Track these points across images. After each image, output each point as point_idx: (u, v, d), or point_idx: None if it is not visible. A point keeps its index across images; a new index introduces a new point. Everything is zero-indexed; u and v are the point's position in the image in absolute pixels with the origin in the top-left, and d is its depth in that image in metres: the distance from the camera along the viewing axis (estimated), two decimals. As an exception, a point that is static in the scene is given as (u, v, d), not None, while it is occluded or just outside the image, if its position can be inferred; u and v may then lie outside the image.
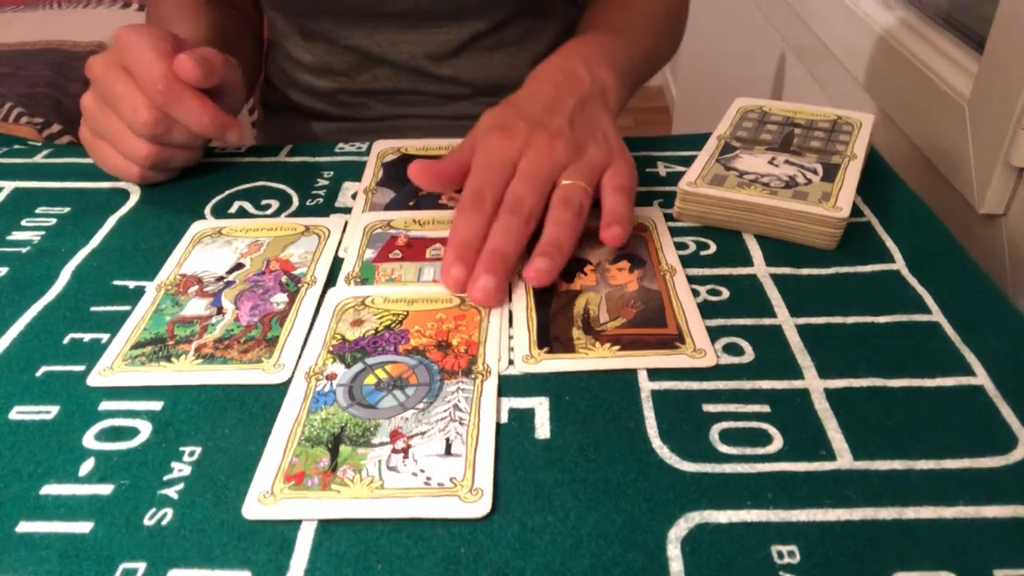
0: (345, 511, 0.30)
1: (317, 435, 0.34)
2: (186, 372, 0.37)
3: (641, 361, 0.37)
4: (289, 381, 0.37)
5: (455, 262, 0.41)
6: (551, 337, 0.39)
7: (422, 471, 0.32)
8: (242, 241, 0.47)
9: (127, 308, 0.42)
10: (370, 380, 0.37)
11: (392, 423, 0.34)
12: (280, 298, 0.42)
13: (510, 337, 0.39)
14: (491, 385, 0.36)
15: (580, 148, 0.47)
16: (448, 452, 0.33)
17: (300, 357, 0.38)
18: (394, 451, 0.33)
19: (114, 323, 0.41)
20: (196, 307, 0.42)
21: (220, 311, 0.41)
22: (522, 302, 0.41)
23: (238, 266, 0.45)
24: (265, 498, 0.31)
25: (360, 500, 0.31)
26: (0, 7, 1.58)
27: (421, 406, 0.35)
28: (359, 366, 0.37)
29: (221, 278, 0.44)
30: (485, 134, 0.47)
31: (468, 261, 0.42)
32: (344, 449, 0.33)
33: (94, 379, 0.37)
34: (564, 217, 0.44)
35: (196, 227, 0.49)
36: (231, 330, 0.40)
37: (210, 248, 0.47)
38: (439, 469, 0.32)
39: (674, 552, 0.29)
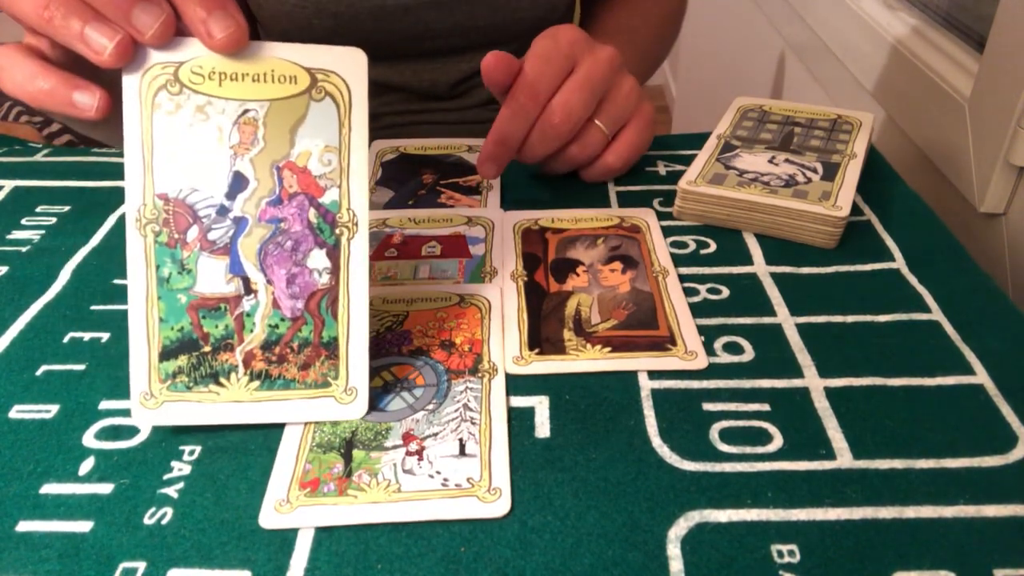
0: (364, 516, 0.30)
1: (328, 441, 0.34)
2: (247, 404, 0.34)
3: (632, 363, 0.37)
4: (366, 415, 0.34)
5: (491, 160, 0.47)
6: (542, 338, 0.39)
7: (438, 472, 0.32)
8: (221, 112, 0.33)
9: (127, 307, 0.42)
10: (377, 383, 0.36)
11: (403, 425, 0.34)
12: (318, 259, 0.34)
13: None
14: (499, 383, 0.36)
15: (630, 76, 0.50)
16: (463, 452, 0.33)
17: (370, 375, 0.34)
18: (408, 454, 0.33)
19: (114, 322, 0.41)
20: (213, 277, 0.34)
21: (248, 286, 0.34)
22: (513, 303, 0.41)
23: (239, 180, 0.33)
24: (282, 506, 0.31)
25: (379, 504, 0.31)
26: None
27: (431, 407, 0.35)
28: None
29: (224, 209, 0.33)
30: (540, 36, 0.48)
31: (502, 160, 0.47)
32: (357, 454, 0.33)
33: (139, 413, 0.33)
34: (554, 136, 0.47)
35: (135, 81, 0.33)
36: (275, 326, 0.34)
37: (179, 128, 0.33)
38: (455, 470, 0.32)
39: (674, 551, 0.29)
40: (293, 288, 0.34)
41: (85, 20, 0.32)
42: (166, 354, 0.33)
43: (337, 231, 0.34)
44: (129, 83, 0.33)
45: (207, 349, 0.34)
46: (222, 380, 0.34)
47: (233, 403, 0.34)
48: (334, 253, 0.34)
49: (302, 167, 0.34)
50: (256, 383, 0.34)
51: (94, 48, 0.32)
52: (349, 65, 0.33)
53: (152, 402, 0.33)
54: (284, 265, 0.34)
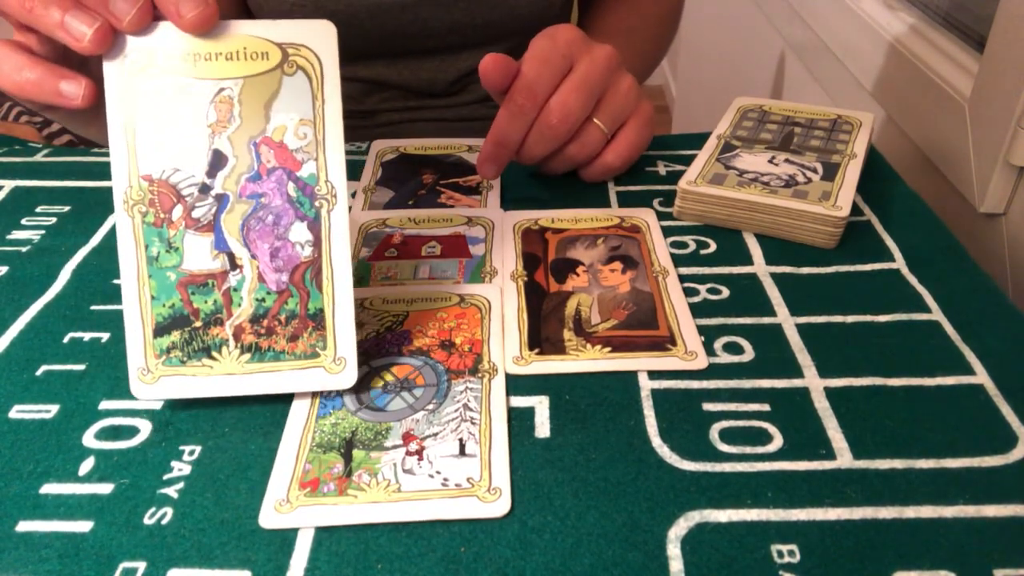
0: (364, 516, 0.30)
1: (328, 441, 0.34)
2: (238, 376, 0.34)
3: (632, 363, 0.37)
4: (355, 384, 0.35)
5: (490, 161, 0.48)
6: (542, 338, 0.39)
7: (438, 472, 0.32)
8: (198, 92, 0.33)
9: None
10: (377, 383, 0.36)
11: (403, 425, 0.34)
12: (300, 232, 0.35)
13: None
14: (499, 383, 0.36)
15: (629, 75, 0.50)
16: (463, 452, 0.33)
17: (359, 345, 0.35)
18: (408, 453, 0.33)
19: (114, 322, 0.41)
20: (199, 254, 0.34)
21: (234, 262, 0.34)
22: (513, 303, 0.41)
23: (218, 157, 0.34)
24: (282, 506, 0.31)
25: (379, 504, 0.31)
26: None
27: (431, 407, 0.35)
28: (364, 369, 0.37)
29: (206, 187, 0.34)
30: (538, 36, 0.48)
31: (501, 161, 0.48)
32: (357, 454, 0.33)
33: (137, 388, 0.34)
34: (552, 137, 0.47)
35: (114, 67, 0.33)
36: (262, 299, 0.35)
37: (159, 111, 0.33)
38: (455, 470, 0.32)
39: (674, 551, 0.29)
40: (277, 261, 0.35)
41: (65, 9, 0.33)
42: (159, 330, 0.34)
43: (316, 204, 0.35)
44: (109, 69, 0.33)
45: (198, 324, 0.34)
46: (214, 354, 0.34)
47: (226, 376, 0.34)
48: (315, 226, 0.35)
49: (278, 142, 0.34)
50: (247, 356, 0.35)
51: (74, 35, 0.33)
52: (319, 38, 0.34)
53: (149, 377, 0.34)
54: (267, 239, 0.34)
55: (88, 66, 0.36)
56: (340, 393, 0.36)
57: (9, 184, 0.54)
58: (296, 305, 0.35)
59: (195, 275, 0.34)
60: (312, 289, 0.35)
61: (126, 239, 0.34)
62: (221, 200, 0.34)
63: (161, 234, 0.34)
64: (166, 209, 0.34)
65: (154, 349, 0.34)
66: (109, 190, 0.52)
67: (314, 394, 0.36)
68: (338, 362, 0.35)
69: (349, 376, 0.35)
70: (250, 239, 0.34)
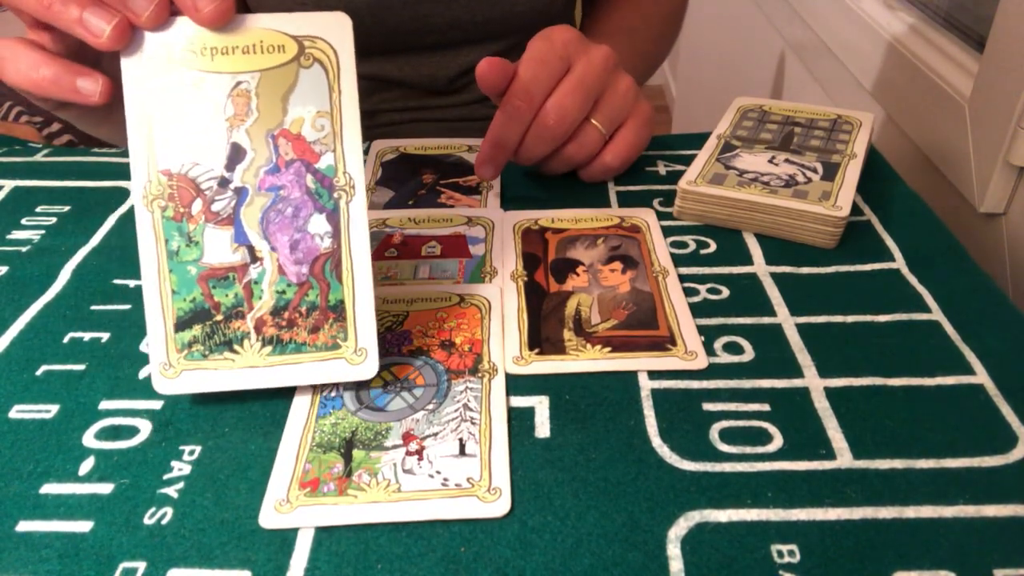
0: (364, 516, 0.30)
1: (328, 440, 0.34)
2: (261, 369, 0.34)
3: (632, 363, 0.37)
4: (373, 378, 0.35)
5: (488, 162, 0.48)
6: (542, 338, 0.39)
7: (438, 472, 0.32)
8: (215, 86, 0.34)
9: (127, 307, 0.42)
10: (377, 383, 0.36)
11: (403, 425, 0.34)
12: (319, 224, 0.35)
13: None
14: (499, 383, 0.36)
15: (627, 75, 0.50)
16: (463, 452, 0.33)
17: (380, 336, 0.35)
18: (408, 453, 0.33)
19: (114, 322, 0.41)
20: (219, 247, 0.34)
21: (254, 255, 0.35)
22: (513, 303, 0.41)
23: (236, 151, 0.34)
24: (282, 506, 0.31)
25: (379, 504, 0.31)
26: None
27: (431, 407, 0.35)
28: None
29: (225, 181, 0.34)
30: (535, 38, 0.48)
31: (499, 162, 0.48)
32: (357, 454, 0.33)
33: (159, 383, 0.34)
34: (549, 138, 0.47)
35: (132, 64, 0.33)
36: (282, 292, 0.35)
37: (177, 105, 0.34)
38: (455, 470, 0.32)
39: (674, 551, 0.29)
40: (297, 254, 0.35)
41: (83, 6, 0.33)
42: (181, 325, 0.34)
43: (335, 195, 0.35)
44: (127, 65, 0.33)
45: (219, 318, 0.34)
46: (236, 347, 0.35)
47: (248, 369, 0.34)
48: (334, 217, 0.35)
49: (296, 134, 0.34)
50: (269, 348, 0.35)
51: (93, 32, 0.33)
52: (335, 30, 0.34)
53: (171, 372, 0.34)
54: (286, 232, 0.35)
55: (101, 64, 0.36)
56: (340, 393, 0.36)
57: (9, 184, 0.54)
58: (316, 297, 0.35)
59: (216, 269, 0.34)
60: (332, 280, 0.35)
61: (146, 234, 0.34)
62: (240, 193, 0.34)
63: (181, 228, 0.34)
64: (185, 203, 0.34)
65: (176, 344, 0.34)
66: (109, 190, 0.53)
67: (314, 394, 0.36)
68: (359, 353, 0.35)
69: (371, 366, 0.35)
70: (270, 232, 0.35)
